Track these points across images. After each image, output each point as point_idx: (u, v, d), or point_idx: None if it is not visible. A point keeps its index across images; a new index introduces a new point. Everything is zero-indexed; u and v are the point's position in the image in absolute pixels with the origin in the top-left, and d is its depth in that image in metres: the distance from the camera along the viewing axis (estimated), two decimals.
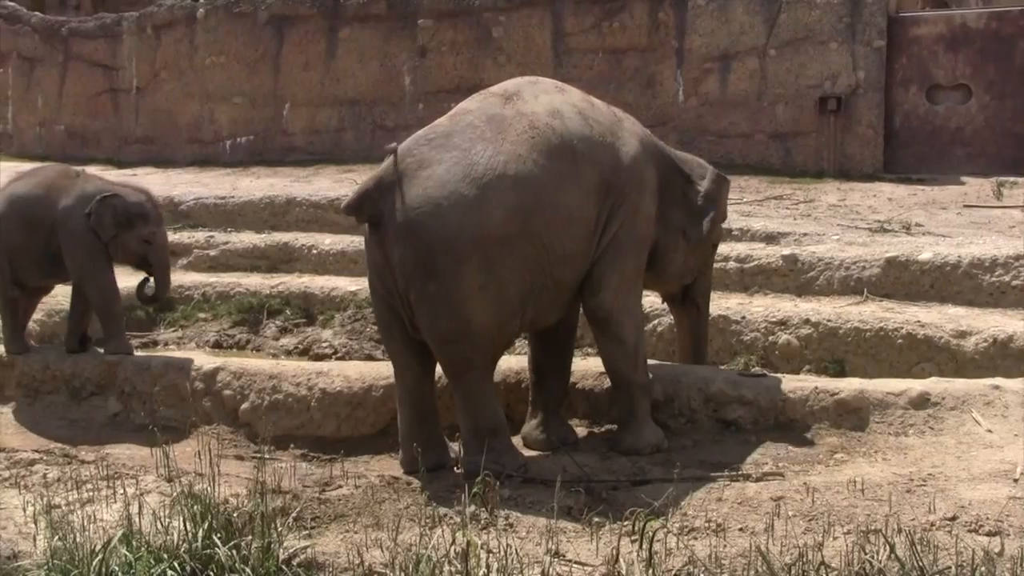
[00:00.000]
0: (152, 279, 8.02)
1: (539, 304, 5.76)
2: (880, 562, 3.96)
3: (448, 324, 5.54)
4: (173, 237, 10.13)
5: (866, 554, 4.02)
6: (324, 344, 8.83)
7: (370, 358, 8.28)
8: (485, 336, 5.61)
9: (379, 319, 6.09)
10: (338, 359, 8.42)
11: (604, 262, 5.93)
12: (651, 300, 7.65)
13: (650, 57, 13.14)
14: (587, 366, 6.78)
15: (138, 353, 7.99)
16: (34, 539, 4.72)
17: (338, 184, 12.52)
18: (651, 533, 4.13)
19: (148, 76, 16.62)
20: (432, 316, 5.55)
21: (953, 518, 4.66)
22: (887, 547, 4.01)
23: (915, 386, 6.16)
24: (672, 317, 7.49)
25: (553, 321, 6.09)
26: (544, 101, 5.92)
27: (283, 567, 4.24)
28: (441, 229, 5.42)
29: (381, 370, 6.77)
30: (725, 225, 7.67)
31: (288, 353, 8.95)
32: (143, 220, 7.74)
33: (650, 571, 4.03)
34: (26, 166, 16.27)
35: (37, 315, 8.81)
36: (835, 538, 4.46)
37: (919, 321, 7.43)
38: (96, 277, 7.80)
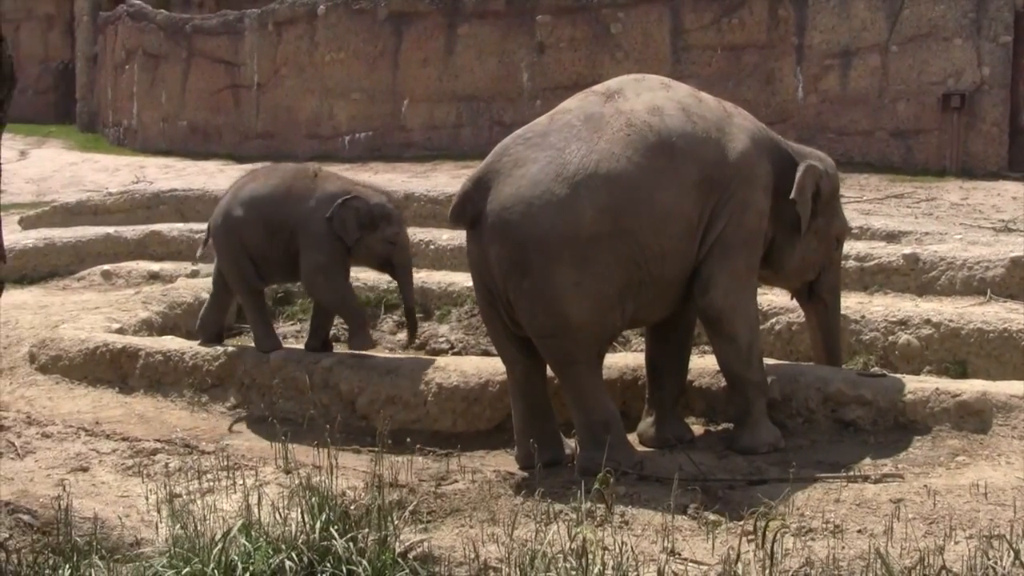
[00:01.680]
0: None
1: (640, 300, 5.75)
2: (1004, 568, 3.88)
3: (545, 320, 5.60)
4: None
5: (989, 559, 3.94)
6: (440, 339, 8.87)
7: (486, 354, 8.29)
8: (584, 331, 5.63)
9: (483, 315, 6.18)
10: (454, 354, 8.46)
11: (712, 260, 5.88)
12: (768, 298, 7.58)
13: (769, 54, 13.03)
14: (704, 364, 6.73)
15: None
16: (156, 527, 4.83)
17: (456, 180, 12.52)
18: (773, 534, 4.09)
19: (269, 72, 16.89)
20: (530, 312, 5.62)
21: None
22: (1011, 553, 3.92)
23: None
24: (786, 316, 7.42)
25: (660, 317, 6.07)
26: (646, 98, 5.88)
27: (399, 560, 4.26)
28: (533, 228, 5.49)
29: (497, 366, 6.78)
30: None
31: (404, 348, 9.02)
32: (386, 221, 7.58)
33: (766, 572, 4.00)
34: (148, 160, 16.78)
35: (158, 307, 9.01)
36: (957, 542, 4.39)
37: None
38: (332, 280, 7.70)
